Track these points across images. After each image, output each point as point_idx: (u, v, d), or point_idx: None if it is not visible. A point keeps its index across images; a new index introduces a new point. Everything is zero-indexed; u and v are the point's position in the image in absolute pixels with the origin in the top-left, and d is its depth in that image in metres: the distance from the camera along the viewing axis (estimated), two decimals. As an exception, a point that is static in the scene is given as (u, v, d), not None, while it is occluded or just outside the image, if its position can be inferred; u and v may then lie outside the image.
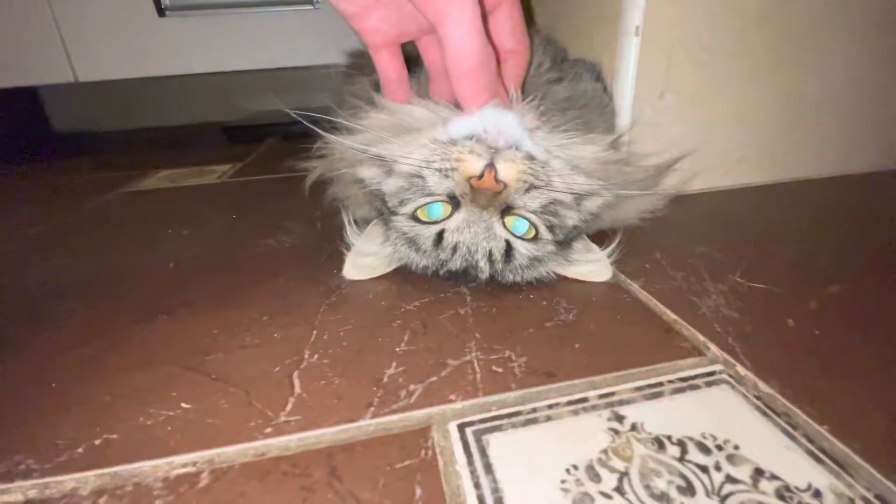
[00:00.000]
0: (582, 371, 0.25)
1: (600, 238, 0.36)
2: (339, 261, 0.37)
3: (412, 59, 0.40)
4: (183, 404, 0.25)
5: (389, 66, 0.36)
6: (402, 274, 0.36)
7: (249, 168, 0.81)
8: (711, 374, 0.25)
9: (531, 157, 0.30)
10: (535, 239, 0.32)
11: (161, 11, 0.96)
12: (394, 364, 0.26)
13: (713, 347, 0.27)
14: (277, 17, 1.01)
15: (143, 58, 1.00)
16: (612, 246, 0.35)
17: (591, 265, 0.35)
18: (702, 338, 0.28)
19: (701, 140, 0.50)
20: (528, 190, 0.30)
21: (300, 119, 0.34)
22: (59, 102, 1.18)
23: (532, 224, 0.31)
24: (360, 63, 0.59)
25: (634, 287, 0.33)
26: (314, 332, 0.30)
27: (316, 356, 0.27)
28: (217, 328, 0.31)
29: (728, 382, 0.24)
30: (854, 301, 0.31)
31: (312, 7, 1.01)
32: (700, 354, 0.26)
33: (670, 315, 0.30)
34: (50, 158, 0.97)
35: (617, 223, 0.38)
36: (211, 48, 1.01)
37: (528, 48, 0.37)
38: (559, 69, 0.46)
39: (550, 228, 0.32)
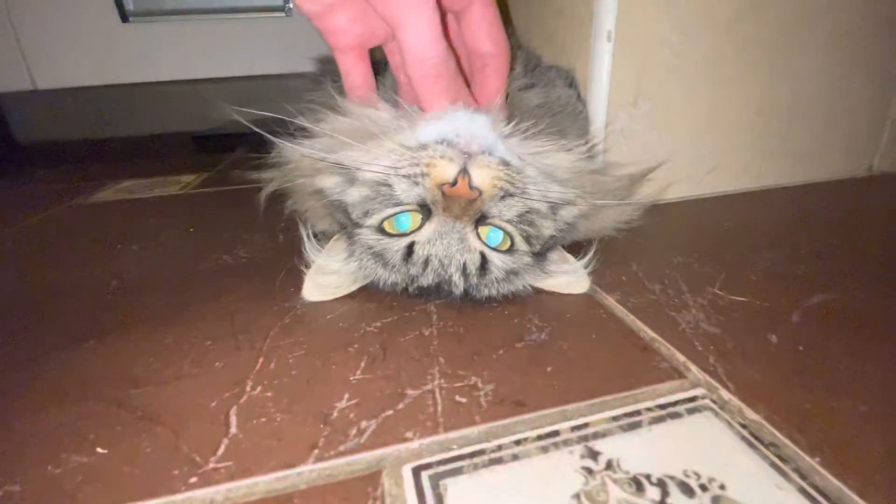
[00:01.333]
0: (553, 399, 0.23)
1: (575, 249, 0.34)
2: (297, 277, 0.34)
3: (379, 64, 0.38)
4: (99, 449, 0.21)
5: (355, 69, 0.34)
6: (368, 291, 0.33)
7: (215, 178, 0.77)
8: (693, 399, 0.23)
9: (506, 163, 0.28)
10: (511, 250, 0.30)
11: (124, 17, 0.92)
12: (346, 396, 0.23)
13: (694, 368, 0.25)
14: (248, 23, 0.98)
15: (105, 64, 0.96)
16: (589, 256, 0.33)
17: (568, 276, 0.33)
18: (682, 357, 0.26)
19: (675, 148, 0.49)
20: (503, 198, 0.28)
21: (249, 125, 0.31)
22: (20, 111, 1.12)
23: (507, 234, 0.29)
24: (329, 69, 0.57)
25: (610, 301, 0.31)
26: (260, 359, 0.27)
27: (259, 388, 0.24)
28: (152, 355, 0.28)
29: (711, 409, 0.22)
30: (838, 312, 0.30)
31: (284, 14, 0.99)
32: (680, 377, 0.24)
33: (648, 332, 0.28)
34: (6, 169, 0.91)
35: (592, 233, 0.36)
36: (177, 55, 0.98)
37: (507, 51, 0.35)
38: (531, 76, 0.44)
39: (527, 239, 0.30)
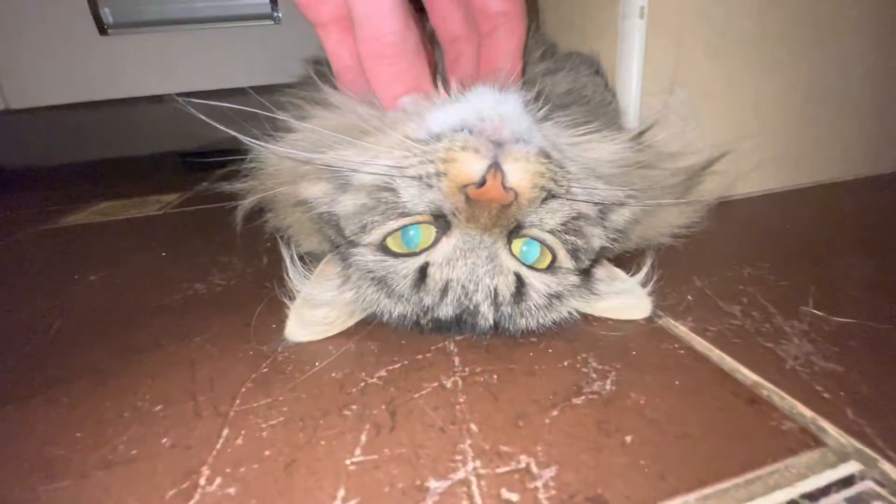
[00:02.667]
0: (646, 490, 0.15)
1: (621, 262, 0.28)
2: (280, 311, 0.27)
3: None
4: None
5: (341, 45, 0.28)
6: (367, 326, 0.26)
7: (199, 196, 0.71)
8: (849, 481, 0.16)
9: (547, 156, 0.21)
10: (553, 268, 0.23)
11: (102, 29, 0.87)
12: (340, 493, 0.16)
13: (830, 428, 0.18)
14: (235, 33, 0.93)
15: (83, 81, 0.90)
16: (646, 270, 0.26)
17: (623, 298, 0.26)
18: (807, 412, 0.18)
19: (716, 141, 0.43)
20: (545, 200, 0.21)
21: (213, 123, 0.25)
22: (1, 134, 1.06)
23: (547, 248, 0.23)
24: (320, 70, 0.51)
25: (682, 331, 0.24)
26: (225, 430, 0.20)
27: (218, 480, 0.17)
28: (82, 427, 0.21)
29: (881, 497, 0.15)
30: (984, 337, 0.23)
31: (273, 22, 0.94)
32: (817, 444, 0.17)
33: (747, 374, 0.21)
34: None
35: (644, 241, 0.29)
36: (160, 68, 0.92)
37: (522, 10, 0.28)
38: (552, 60, 0.38)
39: (573, 252, 0.23)
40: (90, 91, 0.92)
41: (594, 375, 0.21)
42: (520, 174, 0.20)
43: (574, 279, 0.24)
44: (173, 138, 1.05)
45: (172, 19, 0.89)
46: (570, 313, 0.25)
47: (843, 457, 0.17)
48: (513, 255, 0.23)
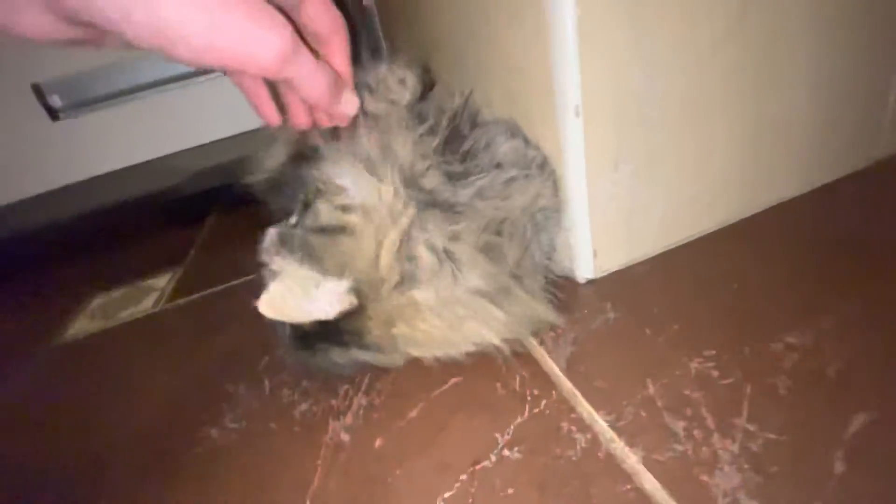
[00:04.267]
0: None
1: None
2: (291, 465, 0.30)
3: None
4: None
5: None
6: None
7: (190, 277, 0.72)
8: None
9: None
10: None
11: (54, 115, 0.85)
12: None
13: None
14: (191, 91, 0.90)
15: (43, 170, 0.88)
16: None
17: None
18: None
19: (665, 197, 0.45)
20: None
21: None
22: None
23: None
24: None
25: (632, 462, 0.28)
26: None
27: None
28: None
29: None
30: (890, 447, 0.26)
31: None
32: None
33: (684, 520, 0.25)
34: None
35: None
36: (121, 142, 0.90)
37: (343, 27, 0.34)
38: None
39: None
40: (52, 178, 0.90)
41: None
42: None
43: None
44: (149, 201, 1.04)
45: (122, 90, 0.87)
46: None
47: None
48: None
